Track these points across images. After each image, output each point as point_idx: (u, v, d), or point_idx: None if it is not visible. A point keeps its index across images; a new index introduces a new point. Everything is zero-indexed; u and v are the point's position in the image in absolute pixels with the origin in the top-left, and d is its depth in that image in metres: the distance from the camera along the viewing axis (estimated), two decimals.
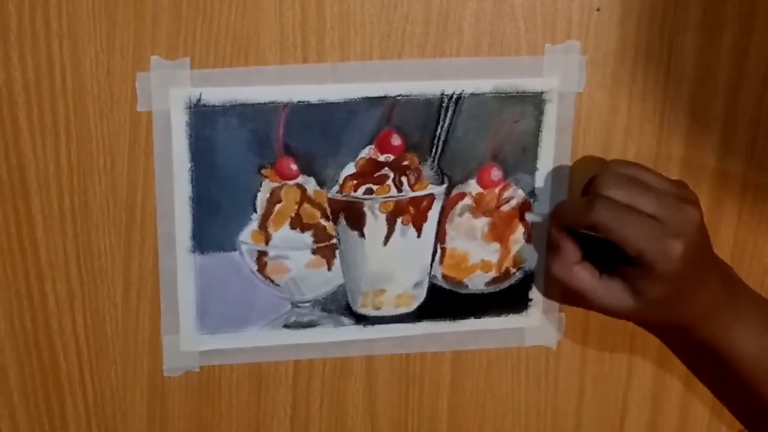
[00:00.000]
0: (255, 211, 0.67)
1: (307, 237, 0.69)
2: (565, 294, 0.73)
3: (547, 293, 0.73)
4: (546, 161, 0.70)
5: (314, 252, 0.69)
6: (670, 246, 0.62)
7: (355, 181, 0.68)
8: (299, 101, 0.65)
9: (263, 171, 0.67)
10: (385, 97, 0.66)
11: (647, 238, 0.62)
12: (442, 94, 0.67)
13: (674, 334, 0.69)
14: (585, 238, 0.66)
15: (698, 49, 0.69)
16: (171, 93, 0.64)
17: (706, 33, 0.69)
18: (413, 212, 0.69)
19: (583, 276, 0.66)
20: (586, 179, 0.70)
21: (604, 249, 0.65)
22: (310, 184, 0.68)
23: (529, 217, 0.70)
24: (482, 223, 0.71)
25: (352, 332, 0.72)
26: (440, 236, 0.71)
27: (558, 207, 0.68)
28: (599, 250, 0.65)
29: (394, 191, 0.69)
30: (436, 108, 0.67)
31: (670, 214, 0.63)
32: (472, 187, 0.70)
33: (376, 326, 0.72)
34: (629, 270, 0.64)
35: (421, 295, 0.72)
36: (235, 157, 0.66)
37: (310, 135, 0.66)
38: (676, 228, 0.62)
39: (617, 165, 0.66)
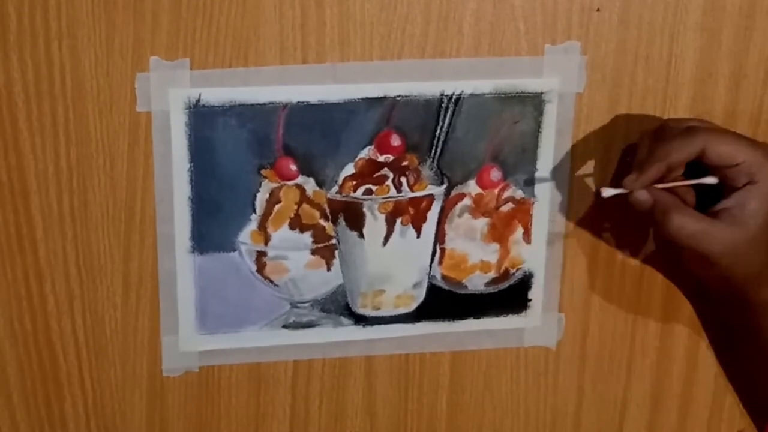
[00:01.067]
0: (254, 211, 0.67)
1: (307, 237, 0.69)
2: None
3: (547, 293, 0.73)
4: (546, 162, 0.70)
5: (313, 252, 0.69)
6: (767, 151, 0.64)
7: (354, 182, 0.68)
8: (299, 102, 0.65)
9: (263, 171, 0.67)
10: (384, 98, 0.66)
11: (752, 149, 0.64)
12: (442, 95, 0.67)
13: (732, 297, 0.68)
14: None
15: (698, 50, 0.69)
16: (170, 93, 0.64)
17: (706, 33, 0.69)
18: (412, 213, 0.69)
19: (699, 218, 0.65)
20: (586, 179, 0.70)
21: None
22: (310, 185, 0.68)
23: (606, 192, 0.65)
24: (481, 223, 0.71)
25: (352, 332, 0.72)
26: (439, 237, 0.71)
27: (650, 156, 0.65)
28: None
29: (393, 192, 0.69)
30: (435, 108, 0.67)
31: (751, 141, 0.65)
32: (472, 187, 0.70)
33: (376, 326, 0.72)
34: (733, 202, 0.64)
35: (421, 295, 0.72)
36: (235, 158, 0.66)
37: (310, 135, 0.66)
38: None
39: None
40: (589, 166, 0.70)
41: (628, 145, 0.69)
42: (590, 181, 0.71)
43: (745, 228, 0.64)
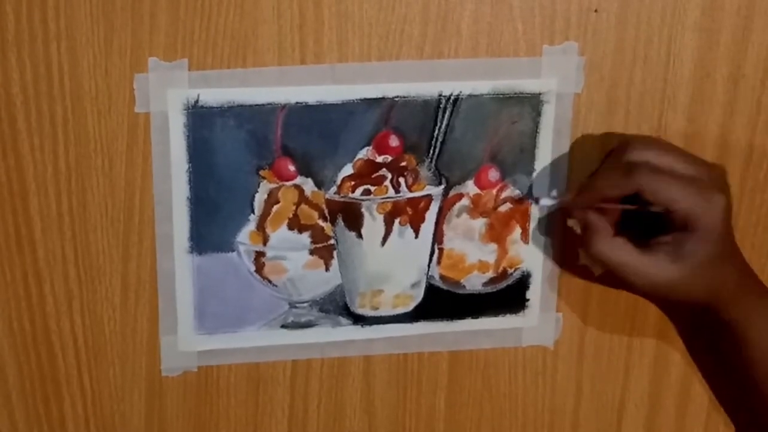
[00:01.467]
0: (253, 211, 0.68)
1: (305, 238, 0.69)
2: (593, 276, 0.72)
3: (545, 293, 0.73)
4: (544, 162, 0.70)
5: (312, 252, 0.69)
6: (714, 199, 0.63)
7: (352, 182, 0.68)
8: (297, 102, 0.65)
9: (261, 172, 0.67)
10: (383, 98, 0.66)
11: (692, 195, 0.62)
12: (440, 95, 0.67)
13: (699, 315, 0.68)
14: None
15: (696, 50, 0.69)
16: (169, 94, 0.64)
17: (704, 34, 0.69)
18: (411, 213, 0.69)
19: (626, 249, 0.65)
20: (584, 180, 0.70)
21: (631, 226, 0.65)
22: (308, 185, 0.68)
23: (543, 201, 0.69)
24: (480, 223, 0.71)
25: (350, 332, 0.72)
26: (438, 237, 0.71)
27: (589, 184, 0.66)
28: (627, 228, 0.66)
29: (391, 192, 0.69)
30: (434, 109, 0.67)
31: (706, 173, 0.64)
32: (470, 187, 0.70)
33: (374, 326, 0.72)
34: (669, 239, 0.64)
35: (419, 295, 0.72)
36: (233, 158, 0.66)
37: (308, 136, 0.66)
38: (715, 183, 0.64)
39: (642, 138, 0.67)
40: (587, 167, 0.70)
41: (609, 151, 0.68)
42: None
43: (677, 266, 0.64)
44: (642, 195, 0.63)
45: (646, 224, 0.65)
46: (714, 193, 0.63)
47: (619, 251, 0.65)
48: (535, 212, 0.71)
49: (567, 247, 0.72)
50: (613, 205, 0.66)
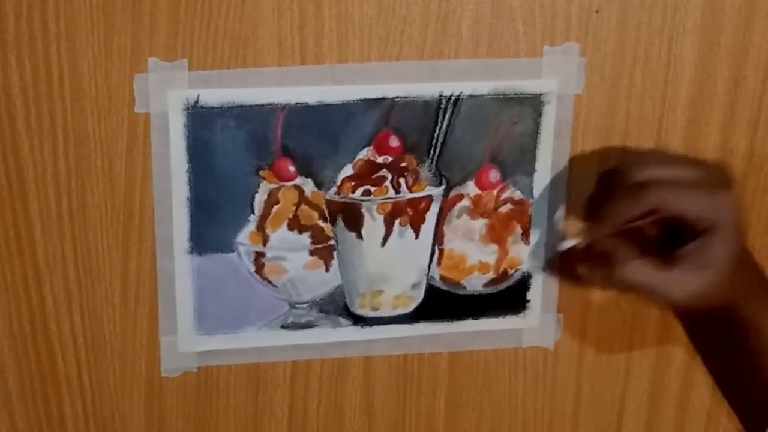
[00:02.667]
0: (253, 212, 0.67)
1: (305, 238, 0.69)
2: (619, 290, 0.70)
3: (545, 294, 0.73)
4: (544, 163, 0.70)
5: (312, 253, 0.69)
6: (724, 197, 0.63)
7: (353, 183, 0.68)
8: (297, 103, 0.65)
9: (261, 172, 0.67)
10: (383, 99, 0.66)
11: (703, 199, 0.62)
12: (441, 96, 0.67)
13: (714, 314, 0.68)
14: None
15: (697, 51, 0.69)
16: (169, 95, 0.64)
17: (704, 35, 0.69)
18: (411, 213, 0.69)
19: (648, 269, 0.64)
20: (584, 181, 0.70)
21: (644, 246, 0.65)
22: (308, 186, 0.68)
23: (561, 245, 0.70)
24: (480, 224, 0.71)
25: (350, 333, 0.72)
26: (438, 237, 0.71)
27: (601, 214, 0.65)
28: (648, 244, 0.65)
29: (392, 193, 0.69)
30: (434, 110, 0.67)
31: (708, 174, 0.64)
32: (470, 188, 0.70)
33: (374, 327, 0.72)
34: (692, 247, 0.63)
35: (419, 296, 0.72)
36: (233, 159, 0.66)
37: (308, 136, 0.66)
38: (721, 182, 0.64)
39: (641, 155, 0.67)
40: (587, 168, 0.70)
41: (603, 172, 0.67)
42: (588, 182, 0.71)
43: (705, 273, 0.64)
44: (657, 211, 0.63)
45: (666, 234, 0.65)
46: (722, 191, 0.63)
47: (641, 274, 0.64)
48: (535, 213, 0.71)
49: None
50: (636, 223, 0.64)
